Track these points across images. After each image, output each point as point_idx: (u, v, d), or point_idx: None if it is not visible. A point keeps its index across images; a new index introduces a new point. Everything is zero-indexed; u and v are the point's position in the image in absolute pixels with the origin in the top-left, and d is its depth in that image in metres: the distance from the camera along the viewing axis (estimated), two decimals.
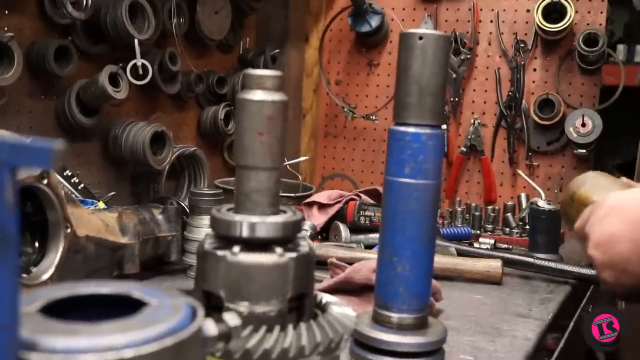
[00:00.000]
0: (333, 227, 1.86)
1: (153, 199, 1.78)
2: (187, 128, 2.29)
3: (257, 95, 0.87)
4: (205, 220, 1.55)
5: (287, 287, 0.88)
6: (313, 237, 1.74)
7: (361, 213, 1.83)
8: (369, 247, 1.80)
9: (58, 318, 0.56)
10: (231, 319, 0.68)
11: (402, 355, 1.09)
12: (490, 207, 2.19)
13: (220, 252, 0.87)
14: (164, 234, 1.50)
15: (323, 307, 0.97)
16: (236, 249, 0.86)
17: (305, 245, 0.92)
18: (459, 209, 2.21)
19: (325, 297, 0.98)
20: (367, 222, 1.83)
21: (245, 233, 0.87)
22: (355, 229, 1.84)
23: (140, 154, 1.88)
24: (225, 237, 0.89)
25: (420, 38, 1.01)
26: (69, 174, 1.67)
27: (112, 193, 1.82)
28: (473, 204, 2.22)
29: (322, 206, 1.89)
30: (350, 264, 1.55)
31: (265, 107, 0.86)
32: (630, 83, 2.26)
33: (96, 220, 1.29)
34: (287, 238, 0.90)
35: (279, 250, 0.87)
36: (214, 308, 0.90)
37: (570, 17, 2.22)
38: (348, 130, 2.67)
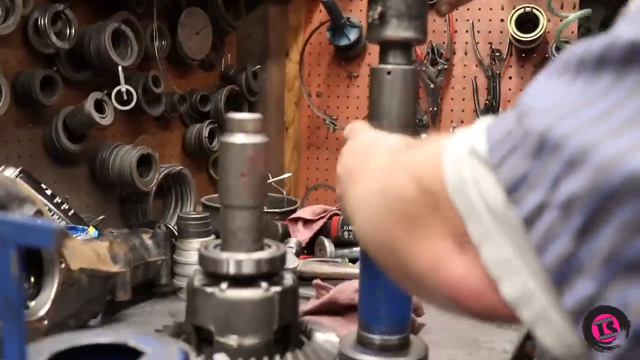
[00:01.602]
0: (318, 242, 1.91)
1: (142, 223, 1.82)
2: (172, 147, 2.33)
3: (238, 138, 0.92)
4: (194, 243, 1.60)
5: (274, 319, 0.93)
6: (298, 253, 1.79)
7: (345, 228, 1.89)
8: (353, 260, 1.85)
9: None
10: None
11: None
12: None
13: (209, 289, 0.92)
14: (153, 259, 1.55)
15: (308, 334, 1.02)
16: (224, 285, 0.92)
17: (289, 278, 0.98)
18: None
19: (310, 324, 1.04)
20: (350, 236, 1.88)
21: (232, 270, 0.93)
22: (339, 243, 1.89)
23: (127, 177, 1.92)
24: (213, 274, 0.94)
25: (389, 73, 1.05)
26: (59, 201, 1.71)
27: (102, 217, 1.86)
28: None
29: (306, 222, 1.94)
30: (335, 279, 1.60)
31: (246, 149, 0.92)
32: None
33: (88, 251, 1.33)
34: (272, 272, 0.95)
35: (264, 285, 0.93)
36: (205, 341, 0.95)
37: (543, 26, 2.27)
38: (330, 141, 2.72)
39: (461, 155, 0.51)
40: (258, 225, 0.95)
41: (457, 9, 1.39)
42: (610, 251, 0.38)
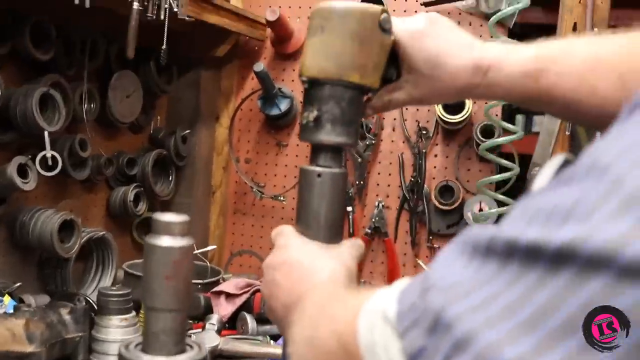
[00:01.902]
0: (240, 318, 1.90)
1: (61, 295, 1.78)
2: (95, 209, 2.30)
3: (164, 241, 0.92)
4: (114, 320, 1.58)
5: None
6: (220, 330, 1.77)
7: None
8: (274, 337, 1.85)
9: None
10: None
11: None
12: None
13: None
14: (71, 335, 1.51)
15: None
16: None
17: None
18: None
19: None
20: (265, 311, 1.88)
21: None
22: (262, 319, 1.89)
23: (47, 242, 1.88)
24: None
25: (319, 175, 1.06)
26: None
27: (18, 284, 1.81)
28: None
29: (229, 295, 1.93)
30: (255, 359, 1.60)
31: (172, 252, 0.92)
32: (529, 152, 2.35)
33: (3, 330, 1.30)
34: None
35: None
36: None
37: (469, 109, 2.36)
38: (257, 208, 2.72)
39: (375, 319, 0.57)
40: (180, 328, 0.95)
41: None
42: None
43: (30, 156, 1.81)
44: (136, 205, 2.31)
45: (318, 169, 1.04)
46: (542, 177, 0.56)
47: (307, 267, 0.92)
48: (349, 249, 0.99)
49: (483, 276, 0.48)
